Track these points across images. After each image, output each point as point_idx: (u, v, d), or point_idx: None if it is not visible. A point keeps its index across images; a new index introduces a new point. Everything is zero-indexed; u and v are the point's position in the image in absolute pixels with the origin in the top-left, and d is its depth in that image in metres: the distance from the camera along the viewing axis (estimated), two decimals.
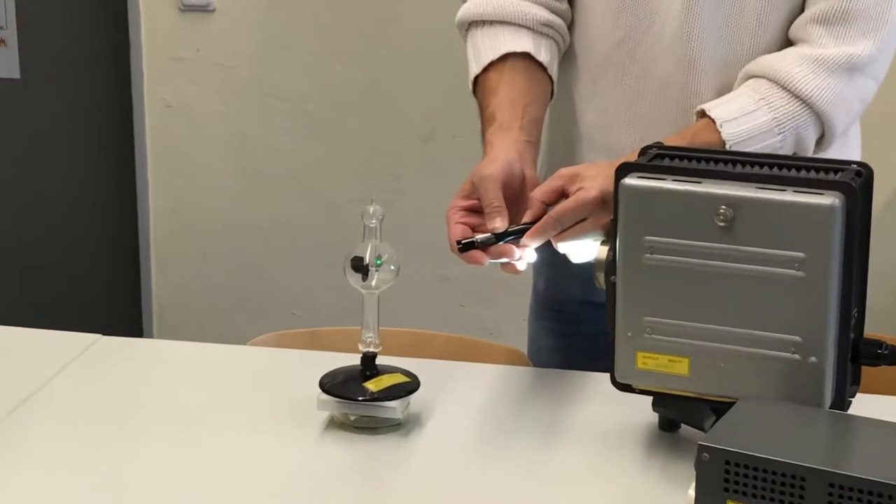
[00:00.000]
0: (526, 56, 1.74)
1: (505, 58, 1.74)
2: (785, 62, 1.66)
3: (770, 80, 1.66)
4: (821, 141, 1.69)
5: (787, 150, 1.66)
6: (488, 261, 1.55)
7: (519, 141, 1.66)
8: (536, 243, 1.55)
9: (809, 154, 1.68)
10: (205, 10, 3.37)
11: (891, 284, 3.11)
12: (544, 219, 1.54)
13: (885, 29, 1.66)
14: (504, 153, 1.63)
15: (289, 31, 3.35)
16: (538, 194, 1.57)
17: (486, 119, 1.72)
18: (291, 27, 3.35)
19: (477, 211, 1.59)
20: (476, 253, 1.55)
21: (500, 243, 1.55)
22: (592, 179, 1.54)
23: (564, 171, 1.59)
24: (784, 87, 1.65)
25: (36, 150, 3.60)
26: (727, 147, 1.62)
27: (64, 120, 3.57)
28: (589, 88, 1.82)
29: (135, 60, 3.44)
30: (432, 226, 3.32)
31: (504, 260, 1.55)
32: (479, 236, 1.56)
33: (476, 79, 1.77)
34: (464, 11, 1.80)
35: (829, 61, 1.65)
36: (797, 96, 1.64)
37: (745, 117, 1.63)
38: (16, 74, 3.56)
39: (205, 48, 3.40)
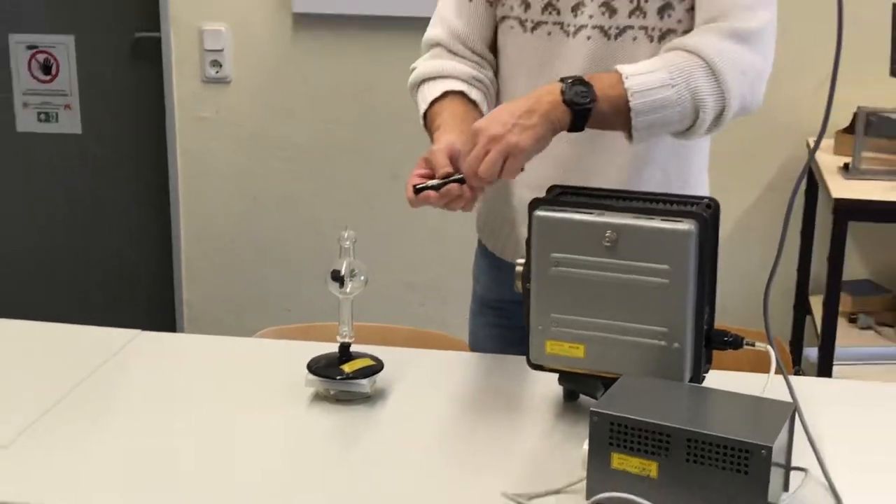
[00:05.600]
0: (461, 94, 1.74)
1: (445, 94, 1.73)
2: (686, 36, 1.60)
3: (673, 48, 1.60)
4: (722, 114, 1.56)
5: (685, 107, 1.54)
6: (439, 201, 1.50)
7: (462, 132, 1.61)
8: (483, 179, 1.49)
9: (709, 120, 1.57)
10: (223, 81, 3.37)
11: (734, 288, 3.13)
12: (468, 160, 1.49)
13: (768, 9, 1.58)
14: (449, 139, 1.59)
15: (289, 98, 3.35)
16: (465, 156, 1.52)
17: (433, 130, 1.69)
18: (291, 95, 3.35)
19: (430, 178, 1.53)
20: (428, 192, 1.50)
21: (448, 183, 1.50)
22: (482, 121, 1.52)
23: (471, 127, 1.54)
24: (681, 49, 1.58)
25: (97, 192, 3.58)
26: (629, 95, 1.53)
27: (114, 169, 3.56)
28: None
29: (169, 120, 3.43)
30: (398, 243, 3.35)
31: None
32: (430, 182, 1.51)
33: (425, 114, 1.75)
34: (414, 76, 1.79)
35: (715, 28, 1.58)
36: (687, 50, 1.57)
37: (647, 75, 1.55)
38: (78, 130, 3.55)
39: (222, 110, 3.40)
